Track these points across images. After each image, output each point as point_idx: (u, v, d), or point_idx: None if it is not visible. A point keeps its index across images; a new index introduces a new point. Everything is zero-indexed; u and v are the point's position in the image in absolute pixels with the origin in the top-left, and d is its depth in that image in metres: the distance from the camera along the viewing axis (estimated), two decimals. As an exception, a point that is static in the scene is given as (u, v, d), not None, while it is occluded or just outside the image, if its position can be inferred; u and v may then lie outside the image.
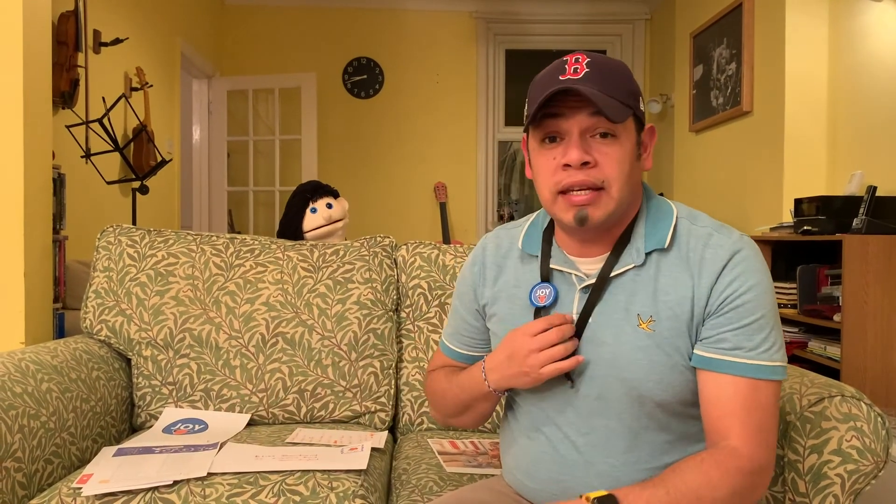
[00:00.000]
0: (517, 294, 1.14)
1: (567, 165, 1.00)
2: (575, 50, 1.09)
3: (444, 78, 5.60)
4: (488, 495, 1.16)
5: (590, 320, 1.05)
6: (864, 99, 2.97)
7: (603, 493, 0.94)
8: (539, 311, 1.08)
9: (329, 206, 2.55)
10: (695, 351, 1.02)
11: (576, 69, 1.00)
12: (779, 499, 1.20)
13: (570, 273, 1.08)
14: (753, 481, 0.97)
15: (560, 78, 1.00)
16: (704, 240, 1.04)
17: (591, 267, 1.08)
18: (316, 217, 2.52)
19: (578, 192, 1.01)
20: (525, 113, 1.06)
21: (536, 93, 1.02)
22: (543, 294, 1.08)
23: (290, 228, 2.54)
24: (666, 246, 1.04)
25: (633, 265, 1.04)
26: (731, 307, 1.00)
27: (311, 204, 2.53)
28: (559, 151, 1.02)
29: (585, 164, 1.00)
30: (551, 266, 1.10)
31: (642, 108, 1.06)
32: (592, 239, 1.07)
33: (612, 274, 1.05)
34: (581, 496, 0.95)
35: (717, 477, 0.95)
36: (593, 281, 1.06)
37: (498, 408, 1.43)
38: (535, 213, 1.20)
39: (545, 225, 1.15)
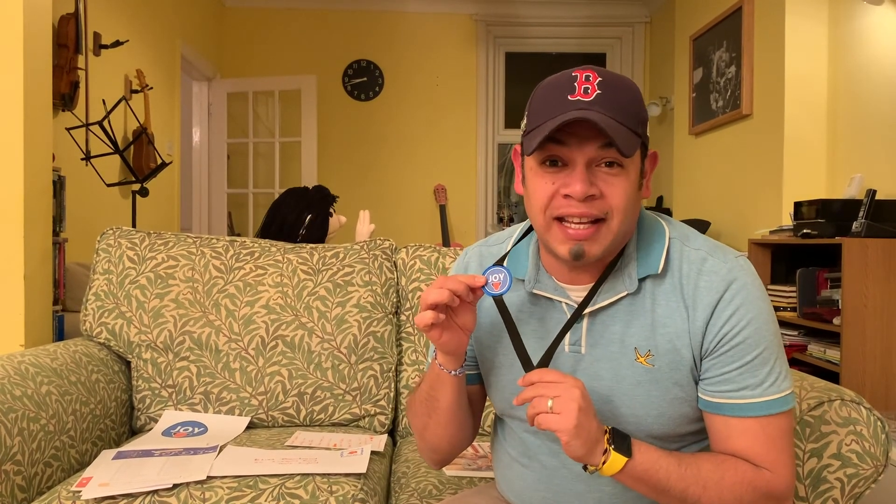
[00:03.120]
0: (498, 314, 1.04)
1: (568, 196, 0.92)
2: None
3: (444, 80, 5.61)
4: (487, 501, 1.15)
5: (584, 352, 1.00)
6: (863, 102, 2.98)
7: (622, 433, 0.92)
8: (497, 301, 1.00)
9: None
10: (699, 395, 0.98)
11: (586, 89, 0.91)
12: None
13: (561, 301, 1.01)
14: (763, 500, 0.94)
15: (569, 98, 0.91)
16: (698, 265, 0.97)
17: (581, 295, 1.00)
18: (334, 221, 2.53)
19: (577, 226, 0.93)
20: (524, 125, 0.97)
21: (541, 109, 0.94)
22: (497, 280, 0.97)
23: (317, 232, 2.47)
24: (659, 271, 0.97)
25: (626, 293, 0.98)
26: (730, 345, 0.94)
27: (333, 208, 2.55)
28: (561, 179, 0.93)
29: (590, 196, 0.92)
30: (537, 292, 1.03)
31: (647, 134, 0.97)
32: (581, 267, 0.99)
33: (606, 303, 0.98)
34: (605, 428, 0.92)
35: (729, 479, 0.93)
36: (586, 310, 0.99)
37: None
38: (516, 231, 1.12)
39: (531, 248, 1.07)
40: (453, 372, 1.04)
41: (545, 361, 0.98)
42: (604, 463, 0.90)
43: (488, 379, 1.11)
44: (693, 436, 1.02)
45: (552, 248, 0.96)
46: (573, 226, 0.93)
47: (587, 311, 0.99)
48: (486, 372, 1.11)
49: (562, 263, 1.00)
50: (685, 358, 0.96)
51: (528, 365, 0.98)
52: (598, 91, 0.91)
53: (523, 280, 1.04)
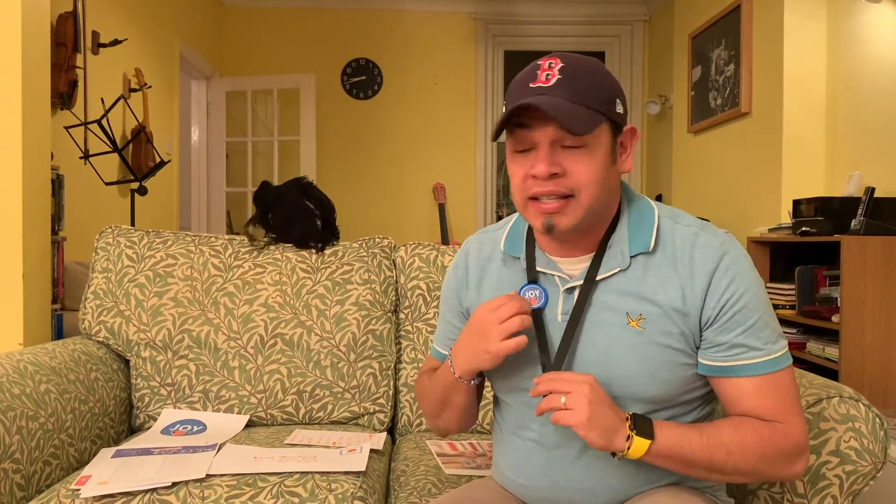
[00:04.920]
0: (500, 292, 1.11)
1: (535, 176, 1.00)
2: (575, 52, 1.07)
3: (443, 79, 5.60)
4: (486, 494, 1.16)
5: (579, 324, 1.05)
6: (862, 100, 2.98)
7: (641, 414, 1.00)
8: (533, 314, 1.06)
9: None
10: (705, 361, 1.03)
11: (547, 75, 0.99)
12: (777, 500, 1.20)
13: (553, 274, 1.08)
14: (784, 453, 1.00)
15: (531, 85, 0.99)
16: (691, 239, 1.04)
17: (573, 268, 1.07)
18: None
19: (547, 201, 1.00)
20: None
21: (509, 98, 1.02)
22: (534, 296, 1.07)
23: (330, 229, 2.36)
24: (650, 249, 1.04)
25: (618, 269, 1.04)
26: (733, 311, 1.01)
27: None
28: (529, 162, 1.01)
29: (554, 175, 0.99)
30: (537, 269, 1.09)
31: (619, 110, 1.03)
32: (570, 242, 1.06)
33: (599, 277, 1.05)
34: (626, 415, 0.99)
35: (750, 441, 0.99)
36: (578, 283, 1.05)
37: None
38: (515, 215, 1.19)
39: (527, 227, 1.14)
40: (472, 382, 1.11)
41: (560, 359, 1.04)
42: (629, 448, 0.97)
43: None
44: (690, 403, 1.07)
45: (531, 224, 1.06)
46: (543, 202, 1.01)
47: (574, 284, 1.06)
48: None
49: (550, 239, 1.08)
50: (681, 324, 1.02)
51: (547, 365, 1.05)
52: (559, 76, 0.99)
53: (519, 258, 1.12)
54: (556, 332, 1.06)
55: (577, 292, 1.05)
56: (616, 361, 1.03)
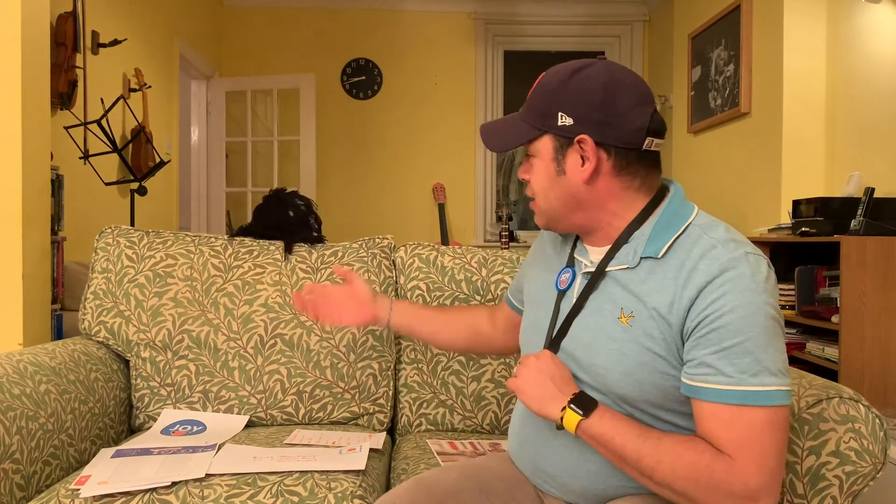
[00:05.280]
0: (548, 271, 1.23)
1: None
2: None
3: (442, 79, 5.60)
4: (499, 464, 1.24)
5: (584, 306, 1.11)
6: (862, 100, 2.98)
7: (587, 398, 1.05)
8: (560, 294, 1.15)
9: None
10: (683, 380, 1.00)
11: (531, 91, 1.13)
12: (777, 501, 1.20)
13: (581, 260, 1.15)
14: (723, 489, 0.94)
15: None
16: (705, 251, 1.01)
17: (595, 257, 1.14)
18: None
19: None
20: None
21: None
22: (565, 278, 1.16)
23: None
24: (659, 256, 1.04)
25: (626, 266, 1.07)
26: (709, 328, 0.96)
27: None
28: None
29: (525, 180, 1.15)
30: (574, 254, 1.18)
31: (563, 122, 1.06)
32: (584, 234, 1.15)
33: (608, 268, 1.09)
34: (573, 391, 1.06)
35: (687, 458, 0.95)
36: (592, 269, 1.11)
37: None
38: None
39: None
40: (381, 328, 1.38)
41: (561, 334, 1.12)
42: (562, 419, 1.04)
43: (524, 315, 1.28)
44: (670, 413, 1.05)
45: None
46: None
47: (588, 270, 1.12)
48: (525, 308, 1.30)
49: None
50: (664, 331, 1.01)
51: (549, 337, 1.14)
52: (531, 93, 1.13)
53: (567, 242, 1.22)
54: (566, 310, 1.13)
55: (589, 278, 1.12)
56: (598, 350, 1.06)
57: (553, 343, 1.12)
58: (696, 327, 0.98)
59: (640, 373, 1.02)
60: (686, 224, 1.05)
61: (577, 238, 1.19)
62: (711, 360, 0.96)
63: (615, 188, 1.08)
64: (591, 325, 1.08)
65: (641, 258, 1.06)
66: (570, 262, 1.17)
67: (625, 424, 1.01)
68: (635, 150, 1.07)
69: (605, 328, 1.06)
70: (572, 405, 1.03)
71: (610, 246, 1.10)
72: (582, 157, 1.06)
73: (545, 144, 1.09)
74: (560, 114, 1.06)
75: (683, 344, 1.00)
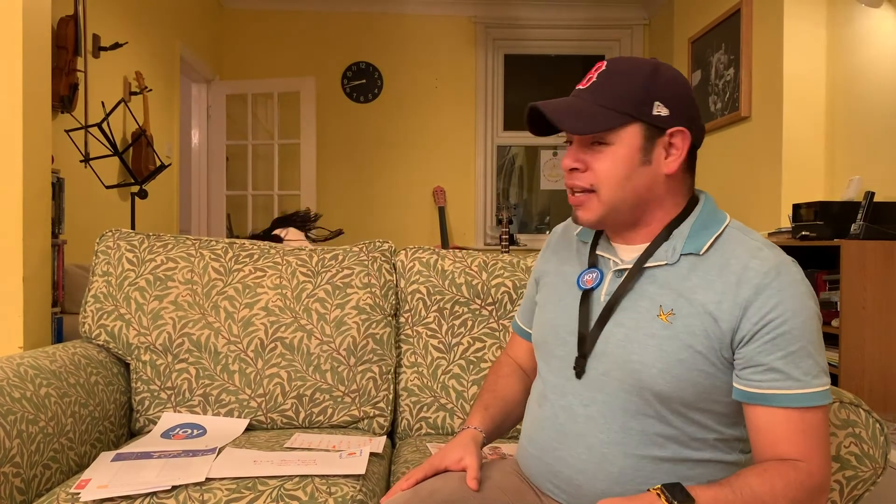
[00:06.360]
0: (565, 271, 1.21)
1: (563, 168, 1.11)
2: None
3: (443, 82, 5.61)
4: (500, 475, 1.19)
5: (619, 304, 1.09)
6: (862, 104, 2.98)
7: (670, 483, 0.98)
8: (585, 294, 1.13)
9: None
10: (740, 386, 1.02)
11: (589, 78, 1.08)
12: None
13: (609, 258, 1.14)
14: (811, 492, 0.99)
15: (577, 87, 1.10)
16: (753, 251, 1.03)
17: (627, 255, 1.13)
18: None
19: (574, 194, 1.10)
20: None
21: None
22: (590, 277, 1.14)
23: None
24: (702, 252, 1.06)
25: (665, 262, 1.07)
26: (775, 333, 0.99)
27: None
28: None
29: (575, 169, 1.08)
30: (597, 252, 1.17)
31: (659, 112, 1.06)
32: (621, 232, 1.13)
33: (646, 265, 1.08)
34: (648, 489, 0.99)
35: (779, 486, 0.97)
36: (626, 267, 1.10)
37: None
38: None
39: None
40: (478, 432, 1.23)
41: (595, 333, 1.09)
42: None
43: (536, 315, 1.26)
44: (700, 413, 1.05)
45: None
46: (572, 194, 1.11)
47: (623, 267, 1.11)
48: (537, 309, 1.26)
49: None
50: (708, 328, 1.01)
51: (582, 336, 1.11)
52: (595, 80, 1.07)
53: (588, 242, 1.20)
54: (596, 310, 1.11)
55: (625, 276, 1.10)
56: (634, 346, 1.05)
57: (586, 341, 1.11)
58: (760, 332, 0.99)
59: (679, 369, 1.03)
60: (724, 226, 1.08)
61: (599, 238, 1.18)
62: (780, 364, 0.99)
63: (681, 184, 1.11)
64: (627, 323, 1.07)
65: (682, 255, 1.06)
66: (594, 263, 1.16)
67: (713, 491, 0.97)
68: (696, 150, 1.12)
69: (643, 325, 1.06)
70: (673, 499, 0.96)
71: (648, 243, 1.10)
72: (666, 150, 1.08)
73: (632, 133, 1.06)
74: (657, 103, 1.05)
75: (733, 345, 1.01)
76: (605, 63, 1.08)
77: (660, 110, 1.06)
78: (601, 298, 1.11)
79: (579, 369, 1.10)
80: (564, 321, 1.14)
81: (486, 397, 1.30)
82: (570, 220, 1.29)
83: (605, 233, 1.18)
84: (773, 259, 1.02)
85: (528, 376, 1.34)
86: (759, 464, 1.01)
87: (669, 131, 1.07)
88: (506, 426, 1.29)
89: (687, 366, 1.02)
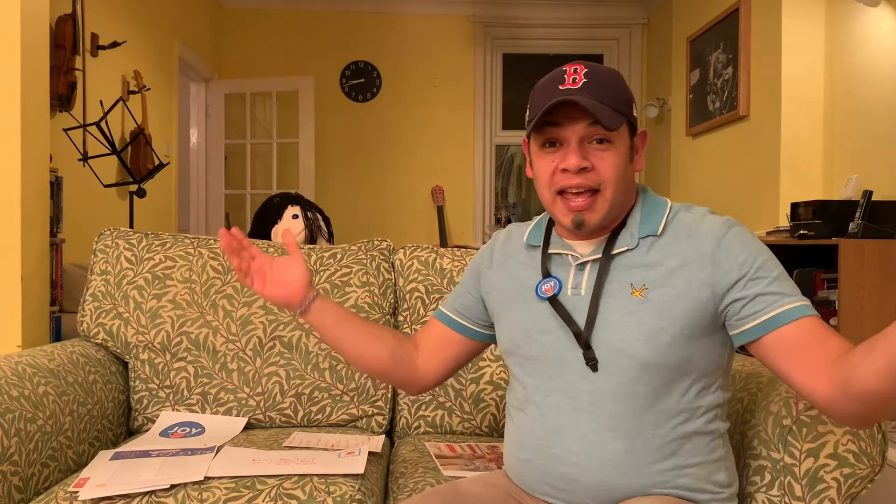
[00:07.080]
0: (520, 276, 1.22)
1: (565, 170, 1.09)
2: (573, 56, 1.14)
3: (441, 82, 5.61)
4: (481, 488, 1.18)
5: (583, 294, 1.13)
6: (860, 104, 2.99)
7: None
8: (552, 300, 1.15)
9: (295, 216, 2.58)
10: (743, 327, 1.06)
11: (574, 79, 1.09)
12: (775, 503, 1.20)
13: (567, 254, 1.17)
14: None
15: (560, 88, 1.08)
16: (700, 218, 1.13)
17: (585, 249, 1.16)
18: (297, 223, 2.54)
19: (576, 196, 1.10)
20: (527, 118, 1.14)
21: (537, 100, 1.11)
22: (549, 286, 1.15)
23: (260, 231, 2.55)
24: (658, 232, 1.13)
25: (626, 248, 1.13)
26: (755, 267, 1.06)
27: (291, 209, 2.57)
28: (559, 156, 1.10)
29: (583, 169, 1.08)
30: (549, 252, 1.19)
31: (635, 114, 1.14)
32: (590, 228, 1.14)
33: (612, 253, 1.13)
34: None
35: None
36: (588, 259, 1.14)
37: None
38: (544, 213, 1.27)
39: (545, 221, 1.25)
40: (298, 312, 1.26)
41: (589, 327, 1.11)
42: None
43: (498, 324, 1.25)
44: (687, 381, 1.09)
45: (558, 220, 1.14)
46: (572, 197, 1.10)
47: (589, 259, 1.14)
48: (496, 318, 1.26)
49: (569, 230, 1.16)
50: (684, 291, 1.07)
51: (579, 333, 1.11)
52: (584, 80, 1.08)
53: (538, 246, 1.22)
54: (573, 305, 1.13)
55: (587, 268, 1.14)
56: (615, 327, 1.09)
57: (582, 337, 1.11)
58: (739, 273, 1.06)
59: (659, 338, 1.07)
60: (669, 207, 1.17)
61: (549, 239, 1.21)
62: (773, 288, 1.05)
63: (633, 179, 1.18)
64: (605, 309, 1.11)
65: (640, 238, 1.13)
66: (546, 271, 1.17)
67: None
68: None
69: (620, 306, 1.10)
70: None
71: (605, 237, 1.15)
72: (636, 149, 1.16)
73: (624, 132, 1.12)
74: (633, 104, 1.14)
75: (717, 300, 1.07)
76: (582, 66, 1.10)
77: (635, 112, 1.15)
78: (568, 293, 1.14)
79: (593, 364, 1.10)
80: (533, 323, 1.16)
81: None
82: (509, 228, 1.33)
83: (556, 231, 1.21)
84: (720, 218, 1.12)
85: (405, 346, 1.33)
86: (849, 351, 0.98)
87: (641, 131, 1.17)
88: (336, 331, 1.29)
89: (668, 333, 1.07)
